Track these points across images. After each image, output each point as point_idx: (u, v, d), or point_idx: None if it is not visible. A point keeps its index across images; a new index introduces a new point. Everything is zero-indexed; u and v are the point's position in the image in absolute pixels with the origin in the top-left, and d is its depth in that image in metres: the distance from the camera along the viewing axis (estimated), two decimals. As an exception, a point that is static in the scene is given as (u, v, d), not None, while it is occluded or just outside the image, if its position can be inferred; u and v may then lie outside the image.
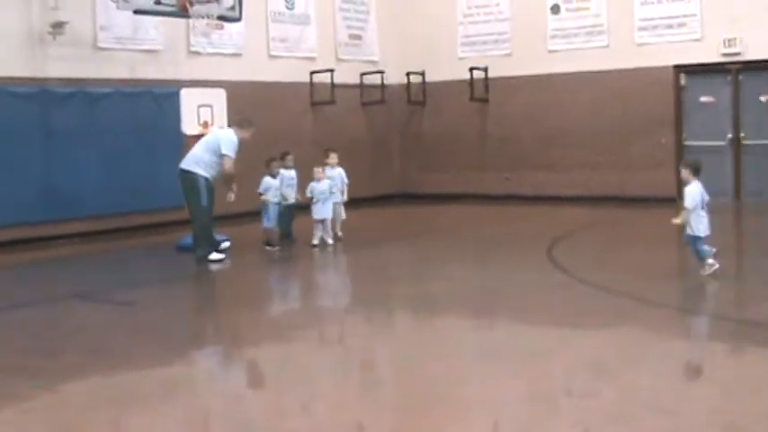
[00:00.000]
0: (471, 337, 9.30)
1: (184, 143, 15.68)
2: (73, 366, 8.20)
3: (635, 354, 7.97)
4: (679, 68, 19.55)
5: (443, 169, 22.18)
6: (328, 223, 14.81)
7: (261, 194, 14.48)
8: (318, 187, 14.65)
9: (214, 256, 13.65)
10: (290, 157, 15.24)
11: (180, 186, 14.01)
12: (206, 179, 13.72)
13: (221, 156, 13.61)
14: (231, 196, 13.83)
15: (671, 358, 7.88)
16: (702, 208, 11.17)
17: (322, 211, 14.70)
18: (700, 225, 11.13)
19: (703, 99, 19.54)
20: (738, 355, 8.21)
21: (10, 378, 7.91)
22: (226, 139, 13.73)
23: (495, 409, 6.74)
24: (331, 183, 14.89)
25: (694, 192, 11.08)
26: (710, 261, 11.06)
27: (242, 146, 13.93)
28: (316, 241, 14.74)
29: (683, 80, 19.65)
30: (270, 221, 14.48)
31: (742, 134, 19.10)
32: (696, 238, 11.15)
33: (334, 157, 15.40)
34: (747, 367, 7.72)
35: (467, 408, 6.82)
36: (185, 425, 6.78)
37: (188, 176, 13.75)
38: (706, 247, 11.12)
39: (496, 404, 6.83)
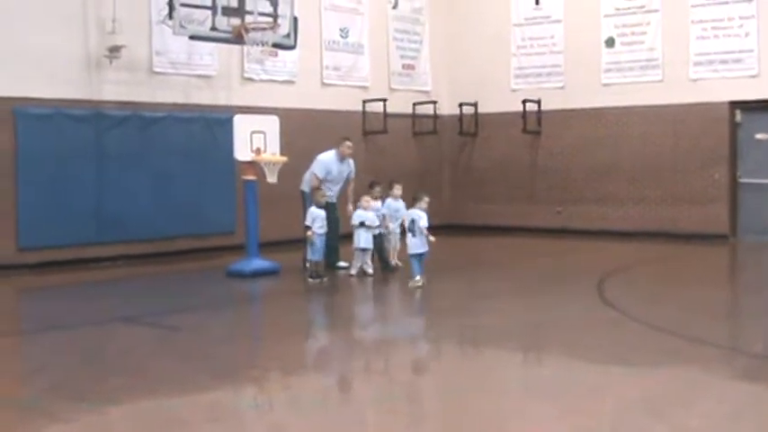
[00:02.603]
0: (519, 373, 9.21)
1: (236, 169, 15.79)
2: (118, 389, 8.20)
3: (685, 394, 7.84)
4: (735, 105, 19.36)
5: (494, 201, 22.09)
6: (369, 253, 14.75)
7: (308, 227, 14.31)
8: (365, 216, 14.60)
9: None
10: (398, 186, 15.10)
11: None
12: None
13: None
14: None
15: (722, 400, 7.74)
16: None
17: (362, 240, 14.63)
18: None
19: (759, 136, 19.32)
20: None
21: (56, 398, 7.92)
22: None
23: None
24: (378, 213, 14.81)
25: None
26: None
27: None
28: (354, 271, 14.69)
29: (738, 116, 19.46)
30: (315, 254, 14.34)
31: (798, 172, 18.88)
32: None
33: (398, 189, 15.25)
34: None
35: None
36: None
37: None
38: None
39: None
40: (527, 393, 8.15)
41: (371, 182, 15.58)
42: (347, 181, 15.88)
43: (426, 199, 14.05)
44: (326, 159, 15.58)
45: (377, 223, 14.68)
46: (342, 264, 15.50)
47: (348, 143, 15.82)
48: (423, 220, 13.76)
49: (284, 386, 8.81)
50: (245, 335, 11.49)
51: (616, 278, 14.68)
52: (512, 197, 21.86)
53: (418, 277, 13.75)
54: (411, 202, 14.27)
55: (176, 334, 10.92)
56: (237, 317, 12.51)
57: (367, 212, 14.62)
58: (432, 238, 13.69)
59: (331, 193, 15.38)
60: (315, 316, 13.14)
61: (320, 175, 15.38)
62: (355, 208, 15.03)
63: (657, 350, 9.61)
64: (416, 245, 13.80)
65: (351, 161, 15.91)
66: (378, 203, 15.19)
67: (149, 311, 12.26)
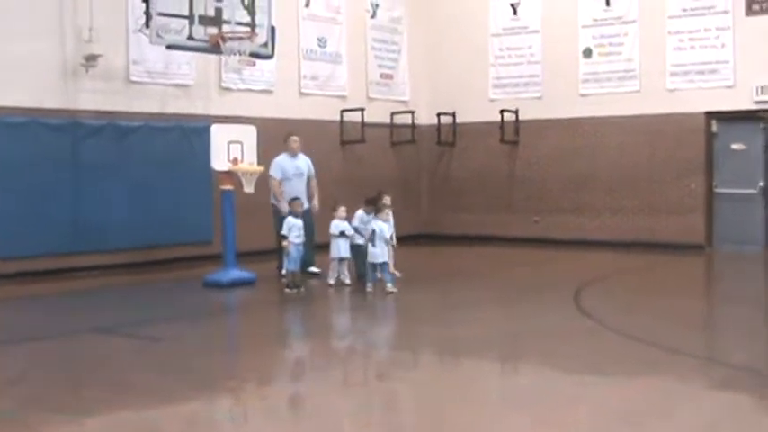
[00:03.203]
0: (496, 383, 9.22)
1: (213, 179, 15.75)
2: (95, 400, 8.16)
3: (662, 404, 7.84)
4: (711, 115, 19.46)
5: (471, 211, 22.11)
6: (346, 263, 14.73)
7: (284, 237, 14.32)
8: (343, 226, 14.58)
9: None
10: (387, 198, 14.94)
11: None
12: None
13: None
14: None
15: (699, 410, 7.75)
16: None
17: (341, 249, 14.62)
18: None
19: (734, 146, 19.42)
20: (764, 409, 8.06)
21: (32, 410, 7.87)
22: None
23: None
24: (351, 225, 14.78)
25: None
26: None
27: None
28: (331, 281, 14.67)
29: (714, 127, 19.55)
30: (291, 263, 14.31)
31: (773, 182, 18.97)
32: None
33: (388, 200, 14.99)
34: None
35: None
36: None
37: None
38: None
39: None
40: (504, 403, 8.16)
41: (367, 199, 15.15)
42: (309, 179, 16.04)
43: (387, 210, 14.43)
44: (278, 159, 15.83)
45: (352, 233, 14.62)
46: (314, 269, 15.53)
47: (293, 137, 16.08)
48: (384, 231, 14.09)
49: (261, 397, 8.78)
50: (223, 346, 11.44)
51: (593, 288, 14.71)
52: (489, 207, 21.88)
53: (370, 285, 14.10)
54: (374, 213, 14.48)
55: (154, 345, 10.87)
56: (215, 327, 12.46)
57: (344, 222, 14.59)
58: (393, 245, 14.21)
59: (288, 194, 15.36)
60: (292, 326, 13.12)
61: (276, 176, 15.59)
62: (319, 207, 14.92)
63: (634, 360, 9.63)
64: (375, 254, 14.08)
65: (305, 158, 16.12)
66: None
67: (126, 322, 12.20)
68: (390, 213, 14.73)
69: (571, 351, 10.04)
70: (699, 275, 17.76)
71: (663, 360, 9.68)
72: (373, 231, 14.11)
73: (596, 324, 11.65)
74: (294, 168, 15.91)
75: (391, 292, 13.93)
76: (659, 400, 7.99)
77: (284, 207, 15.16)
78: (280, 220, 15.03)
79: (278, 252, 15.01)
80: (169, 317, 12.70)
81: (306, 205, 15.42)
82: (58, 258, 15.87)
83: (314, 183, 16.17)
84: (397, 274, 14.87)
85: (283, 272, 14.60)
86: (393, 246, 14.68)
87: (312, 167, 16.21)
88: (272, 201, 15.74)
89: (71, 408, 7.94)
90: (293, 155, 16.00)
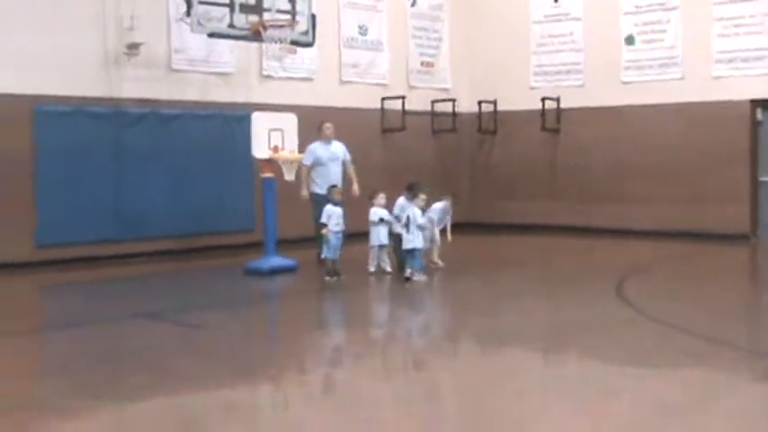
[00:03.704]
0: (537, 373, 9.17)
1: (254, 167, 15.78)
2: (137, 387, 8.20)
3: (704, 396, 7.78)
4: (756, 103, 19.24)
5: (513, 199, 22.02)
6: (385, 250, 14.71)
7: (323, 225, 14.30)
8: (382, 213, 14.54)
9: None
10: (420, 186, 14.74)
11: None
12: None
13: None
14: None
15: (742, 403, 7.67)
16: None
17: (380, 236, 14.60)
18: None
19: (780, 135, 19.22)
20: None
21: (74, 396, 7.92)
22: None
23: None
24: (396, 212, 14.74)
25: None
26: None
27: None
28: (372, 268, 14.66)
29: (759, 115, 19.33)
30: (330, 251, 14.32)
31: (818, 171, 18.75)
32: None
33: (422, 197, 14.72)
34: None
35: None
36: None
37: None
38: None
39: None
40: (545, 394, 8.10)
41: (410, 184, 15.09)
42: (344, 165, 16.12)
43: (423, 196, 14.37)
44: (311, 146, 15.86)
45: (391, 220, 14.56)
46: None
47: (327, 124, 16.10)
48: (418, 218, 14.08)
49: (301, 384, 8.80)
50: (263, 333, 11.48)
51: (636, 277, 14.62)
52: (531, 195, 21.78)
53: (409, 270, 13.99)
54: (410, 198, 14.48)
55: (195, 332, 10.92)
56: (255, 315, 12.49)
57: (383, 209, 14.55)
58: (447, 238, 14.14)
59: (325, 181, 15.49)
60: (331, 314, 13.14)
61: (307, 162, 15.62)
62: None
63: (676, 351, 9.54)
64: (408, 240, 14.05)
65: (340, 144, 16.15)
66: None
67: (168, 309, 12.28)
68: (426, 201, 14.64)
69: (613, 341, 9.97)
70: (743, 265, 17.60)
71: (705, 351, 9.58)
72: (408, 217, 14.10)
73: (638, 314, 11.56)
74: (329, 154, 15.95)
75: (414, 280, 13.91)
76: (701, 392, 7.93)
77: (305, 193, 15.56)
78: (318, 207, 15.09)
79: (317, 239, 15.00)
80: (210, 304, 12.74)
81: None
82: (101, 246, 16.00)
83: (351, 168, 16.24)
84: (440, 263, 14.84)
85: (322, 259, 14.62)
86: (443, 236, 14.75)
87: (348, 153, 16.24)
88: (313, 189, 15.75)
89: (112, 394, 7.99)
90: (327, 141, 16.05)
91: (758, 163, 19.39)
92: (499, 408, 7.61)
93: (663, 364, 9.04)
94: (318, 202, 15.28)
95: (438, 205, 15.22)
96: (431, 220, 14.83)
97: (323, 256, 14.54)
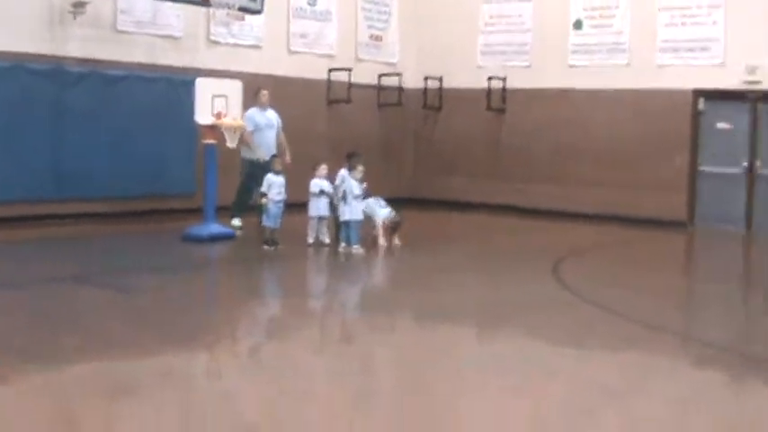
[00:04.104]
0: (474, 350, 9.22)
1: (197, 132, 15.65)
2: (68, 350, 8.14)
3: (639, 380, 7.85)
4: (698, 93, 19.39)
5: (455, 176, 22.04)
6: (325, 222, 14.68)
7: (263, 194, 14.28)
8: (322, 184, 14.49)
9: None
10: (357, 158, 14.77)
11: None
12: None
13: None
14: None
15: (675, 386, 7.76)
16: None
17: (320, 208, 14.56)
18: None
19: (720, 125, 19.38)
20: (738, 387, 8.09)
21: (3, 357, 7.81)
22: None
23: (495, 426, 6.63)
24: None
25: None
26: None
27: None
28: (311, 240, 14.61)
29: (701, 105, 19.49)
30: (270, 220, 14.29)
31: (757, 163, 18.92)
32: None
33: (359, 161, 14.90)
34: (745, 400, 7.62)
35: (465, 423, 6.72)
36: (175, 416, 6.68)
37: None
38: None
39: (496, 421, 6.72)
40: (481, 371, 8.12)
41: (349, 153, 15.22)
42: (278, 133, 16.31)
43: (361, 168, 14.47)
44: (249, 113, 15.93)
45: (331, 191, 14.52)
46: (237, 222, 15.93)
47: (264, 91, 16.28)
48: (354, 189, 14.24)
49: (235, 354, 8.77)
50: (199, 300, 11.39)
51: (573, 259, 14.71)
52: (474, 173, 21.81)
53: (344, 244, 14.16)
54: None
55: (130, 296, 10.83)
56: (192, 281, 12.39)
57: (324, 181, 14.51)
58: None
59: (263, 147, 15.86)
60: (268, 284, 13.09)
61: (250, 128, 15.70)
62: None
63: (612, 334, 9.63)
64: (345, 212, 14.25)
65: (274, 112, 16.34)
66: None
67: (103, 272, 12.18)
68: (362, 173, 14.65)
69: (549, 322, 10.04)
70: (679, 252, 17.79)
71: (640, 336, 9.69)
72: (344, 189, 14.18)
73: (575, 296, 11.64)
74: (266, 120, 16.13)
75: (352, 253, 14.02)
76: (636, 376, 8.00)
77: (261, 153, 15.68)
78: (249, 172, 15.69)
79: (236, 205, 15.93)
80: (147, 268, 12.63)
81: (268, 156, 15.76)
82: (37, 205, 15.74)
83: (283, 136, 16.43)
84: (388, 243, 14.79)
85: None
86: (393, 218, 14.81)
87: (280, 121, 16.40)
88: (245, 155, 15.94)
89: (44, 357, 7.89)
90: (263, 108, 16.20)
91: (698, 152, 19.56)
92: (434, 383, 7.63)
93: (599, 346, 9.12)
94: (249, 167, 15.76)
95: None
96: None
97: (262, 224, 14.48)
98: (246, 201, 15.91)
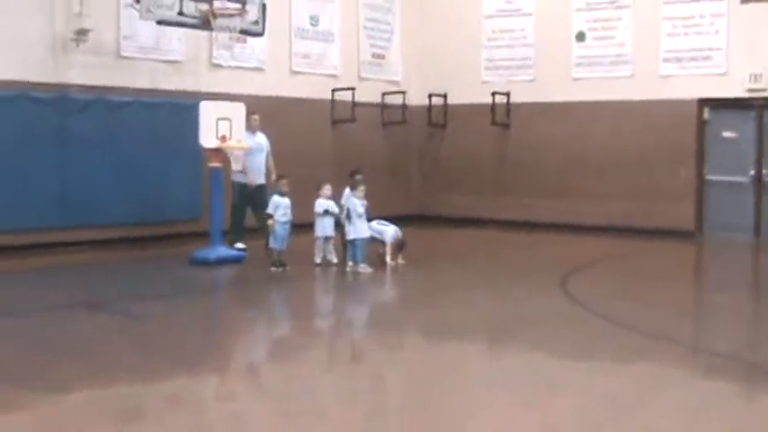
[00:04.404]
0: (483, 366, 9.19)
1: (202, 156, 15.67)
2: (75, 377, 8.10)
3: (647, 392, 7.81)
4: (703, 102, 19.38)
5: (461, 192, 22.04)
6: (331, 242, 14.67)
7: (270, 215, 14.28)
8: (327, 204, 14.51)
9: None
10: (360, 177, 14.88)
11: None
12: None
13: None
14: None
15: (684, 398, 7.72)
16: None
17: (326, 228, 14.55)
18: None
19: (726, 134, 19.36)
20: (748, 397, 8.06)
21: (9, 385, 7.82)
22: None
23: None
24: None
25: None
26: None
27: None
28: (318, 260, 14.60)
29: (706, 114, 19.48)
30: (277, 242, 14.29)
31: (764, 171, 18.89)
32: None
33: (360, 177, 15.02)
34: (754, 409, 7.58)
35: (473, 440, 6.70)
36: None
37: None
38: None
39: (504, 437, 6.71)
40: (490, 387, 8.11)
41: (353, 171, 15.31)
42: (267, 157, 16.49)
43: (362, 187, 14.50)
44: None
45: (336, 211, 14.54)
46: (240, 245, 15.96)
47: (254, 116, 16.38)
48: (357, 207, 14.28)
49: (245, 376, 8.75)
50: (207, 324, 11.38)
51: (581, 273, 14.68)
52: (480, 189, 21.80)
53: (351, 263, 14.17)
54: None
55: (137, 322, 10.81)
56: (200, 305, 12.38)
57: (329, 201, 14.51)
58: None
59: (254, 170, 16.18)
60: (277, 305, 13.08)
61: (238, 152, 15.63)
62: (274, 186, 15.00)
63: (620, 347, 9.60)
64: (350, 231, 14.29)
65: (263, 136, 16.48)
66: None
67: (110, 298, 12.16)
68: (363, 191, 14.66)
69: (557, 336, 10.01)
70: (687, 262, 17.74)
71: (649, 347, 9.65)
72: (347, 209, 14.25)
73: (583, 309, 11.61)
74: (255, 144, 16.23)
75: (359, 272, 14.04)
76: (644, 388, 7.96)
77: (251, 177, 16.10)
78: (240, 195, 16.10)
79: (233, 228, 16.09)
80: (155, 294, 12.63)
81: (263, 180, 16.22)
82: (44, 233, 15.75)
83: (271, 159, 16.60)
84: (395, 262, 14.75)
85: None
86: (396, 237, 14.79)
87: (269, 144, 16.58)
88: (235, 178, 16.07)
89: (49, 384, 7.88)
90: (253, 132, 16.28)
91: (704, 161, 19.54)
92: (443, 400, 7.61)
93: (608, 359, 9.09)
94: (241, 190, 16.06)
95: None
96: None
97: (269, 246, 14.48)
98: (241, 223, 16.02)
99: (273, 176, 16.03)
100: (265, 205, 14.94)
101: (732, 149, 19.26)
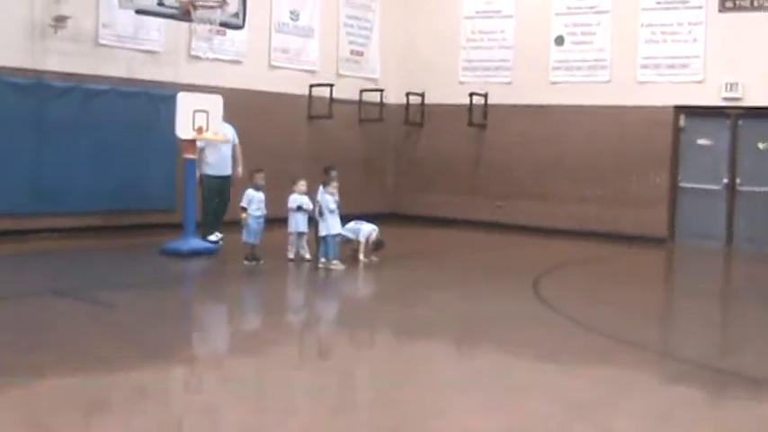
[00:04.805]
0: (451, 366, 9.21)
1: (177, 147, 15.63)
2: (45, 364, 8.08)
3: (613, 395, 7.86)
4: (679, 109, 19.49)
5: (436, 192, 22.08)
6: (304, 237, 14.66)
7: (243, 208, 14.25)
8: (301, 200, 14.49)
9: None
10: (334, 173, 14.81)
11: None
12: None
13: None
14: None
15: (650, 402, 7.77)
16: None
17: (299, 224, 14.55)
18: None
19: (701, 141, 19.47)
20: (714, 404, 8.11)
21: (-23, 372, 7.79)
22: None
23: (469, 441, 6.64)
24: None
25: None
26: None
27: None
28: (291, 255, 14.60)
29: (682, 121, 19.59)
30: (250, 236, 14.27)
31: (738, 180, 19.02)
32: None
33: (334, 174, 15.02)
34: (721, 417, 7.63)
35: (440, 438, 6.72)
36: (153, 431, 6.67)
37: None
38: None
39: (470, 437, 6.73)
40: (458, 388, 8.11)
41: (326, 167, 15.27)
42: (233, 146, 16.23)
43: (335, 183, 14.49)
44: None
45: (310, 207, 14.52)
46: (215, 237, 15.85)
47: None
48: (330, 203, 14.25)
49: (214, 368, 8.74)
50: (177, 315, 11.36)
51: (553, 275, 14.74)
52: (455, 189, 21.85)
53: (323, 259, 14.12)
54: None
55: (107, 311, 10.77)
56: (171, 296, 12.35)
57: (303, 197, 14.50)
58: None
59: (217, 162, 15.95)
60: (248, 299, 13.05)
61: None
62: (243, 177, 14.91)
63: (588, 350, 9.65)
64: (322, 227, 14.27)
65: (230, 126, 16.14)
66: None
67: (81, 286, 12.11)
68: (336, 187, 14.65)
69: (526, 338, 10.04)
70: (659, 268, 17.84)
71: (616, 351, 9.70)
72: (320, 204, 14.28)
73: (553, 312, 11.65)
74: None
75: (331, 269, 14.04)
76: (610, 392, 8.00)
77: (218, 168, 15.93)
78: (208, 189, 15.85)
79: (207, 221, 15.86)
80: (127, 283, 12.58)
81: (228, 172, 16.06)
82: (17, 219, 15.69)
83: (239, 150, 16.36)
84: (369, 259, 14.76)
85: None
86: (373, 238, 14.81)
87: (236, 135, 16.30)
88: (204, 170, 15.90)
89: (17, 371, 7.85)
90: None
91: (678, 168, 19.64)
92: (410, 398, 7.62)
93: (575, 361, 9.12)
94: (209, 183, 15.83)
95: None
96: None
97: (243, 240, 14.45)
98: (212, 214, 15.97)
99: (240, 168, 16.08)
100: (227, 196, 14.94)
101: (706, 157, 19.38)
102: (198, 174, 15.52)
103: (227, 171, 16.07)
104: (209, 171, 15.86)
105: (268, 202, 14.41)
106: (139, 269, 13.94)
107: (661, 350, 10.22)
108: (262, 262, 14.11)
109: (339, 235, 14.38)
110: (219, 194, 15.98)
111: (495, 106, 21.32)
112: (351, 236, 14.74)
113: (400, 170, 22.81)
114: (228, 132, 16.07)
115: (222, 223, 15.96)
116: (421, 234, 20.37)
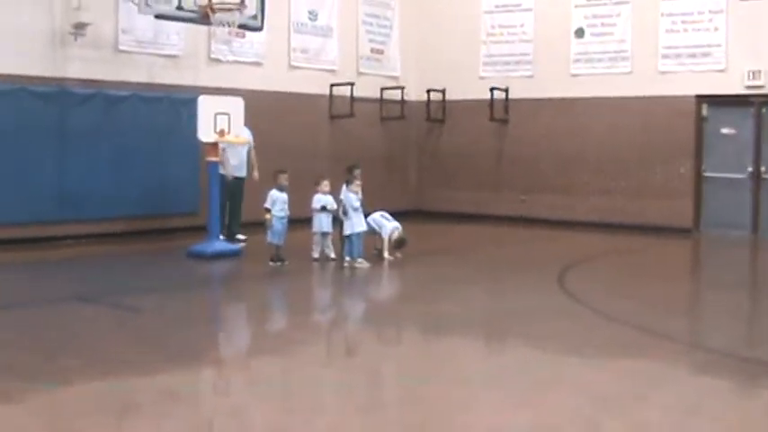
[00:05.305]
0: (478, 362, 9.19)
1: (200, 150, 15.67)
2: (71, 370, 8.10)
3: (642, 388, 7.81)
4: (701, 98, 19.38)
5: (459, 188, 22.06)
6: (329, 237, 14.65)
7: (267, 210, 14.26)
8: (325, 200, 14.49)
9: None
10: (357, 172, 14.78)
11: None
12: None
13: None
14: None
15: (679, 394, 7.73)
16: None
17: (323, 224, 14.55)
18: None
19: (725, 131, 19.36)
20: (743, 394, 8.06)
21: (6, 377, 7.81)
22: None
23: (497, 437, 6.62)
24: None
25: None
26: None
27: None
28: (316, 255, 14.60)
29: (705, 110, 19.48)
30: (275, 236, 14.29)
31: (762, 168, 18.89)
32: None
33: (358, 173, 14.92)
34: (750, 407, 7.58)
35: (468, 434, 6.71)
36: (181, 436, 6.68)
37: None
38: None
39: (498, 432, 6.72)
40: (484, 382, 8.11)
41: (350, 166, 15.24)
42: (249, 150, 16.47)
43: (358, 182, 14.46)
44: None
45: (334, 207, 14.51)
46: (241, 236, 16.18)
47: None
48: (353, 202, 14.25)
49: (242, 370, 8.75)
50: (204, 317, 11.37)
51: (578, 269, 14.68)
52: (478, 185, 21.82)
53: (348, 258, 14.15)
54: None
55: (134, 315, 10.81)
56: (196, 299, 12.36)
57: (327, 196, 14.50)
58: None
59: (234, 162, 16.22)
60: (274, 299, 13.06)
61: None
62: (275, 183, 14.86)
63: (616, 343, 9.60)
64: (346, 226, 14.25)
65: (247, 129, 16.17)
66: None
67: (108, 291, 12.15)
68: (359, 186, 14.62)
69: (553, 332, 10.00)
70: (685, 259, 17.75)
71: (644, 344, 9.65)
72: (343, 204, 14.28)
73: (580, 305, 11.61)
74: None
75: (356, 267, 14.05)
76: (639, 384, 7.96)
77: (231, 170, 16.16)
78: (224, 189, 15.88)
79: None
80: (151, 287, 12.62)
81: (243, 174, 16.35)
82: (43, 226, 15.77)
83: (254, 153, 16.54)
84: (393, 257, 14.75)
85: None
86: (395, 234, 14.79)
87: (252, 138, 16.45)
88: (221, 171, 15.85)
89: (45, 376, 7.89)
90: None
91: (703, 158, 19.54)
92: (438, 395, 7.61)
93: (602, 355, 9.09)
94: (224, 184, 15.88)
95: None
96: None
97: (267, 241, 14.47)
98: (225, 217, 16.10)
99: (255, 172, 16.24)
100: (241, 198, 15.00)
101: (730, 146, 19.27)
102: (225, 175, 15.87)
103: (243, 173, 16.36)
104: (224, 172, 15.91)
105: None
106: (164, 273, 13.97)
107: (687, 341, 10.16)
108: (287, 262, 14.13)
109: (364, 232, 14.37)
110: (232, 195, 16.13)
111: (517, 100, 21.28)
112: (375, 227, 14.74)
113: (423, 167, 22.80)
114: (246, 135, 16.14)
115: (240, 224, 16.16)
116: (445, 230, 20.34)
